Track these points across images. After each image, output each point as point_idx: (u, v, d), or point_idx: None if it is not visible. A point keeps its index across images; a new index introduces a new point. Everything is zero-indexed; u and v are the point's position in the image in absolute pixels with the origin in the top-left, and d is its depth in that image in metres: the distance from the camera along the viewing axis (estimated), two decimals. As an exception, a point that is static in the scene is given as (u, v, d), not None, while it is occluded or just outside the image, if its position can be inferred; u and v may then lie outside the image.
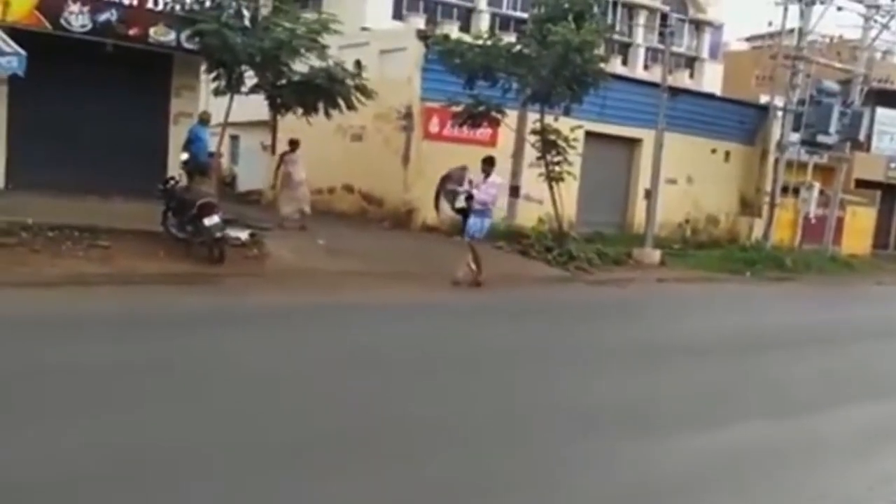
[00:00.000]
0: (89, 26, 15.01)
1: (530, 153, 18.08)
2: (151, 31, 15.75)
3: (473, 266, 13.79)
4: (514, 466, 5.48)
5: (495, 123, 17.85)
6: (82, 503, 4.45)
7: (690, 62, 31.44)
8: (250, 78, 16.76)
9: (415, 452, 5.55)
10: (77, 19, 14.90)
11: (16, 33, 13.87)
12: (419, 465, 5.31)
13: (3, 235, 11.38)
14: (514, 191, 18.35)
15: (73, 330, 8.02)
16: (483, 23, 24.39)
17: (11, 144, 14.90)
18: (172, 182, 13.82)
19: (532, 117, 17.86)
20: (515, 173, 18.29)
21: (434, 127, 19.16)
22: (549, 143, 17.36)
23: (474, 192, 13.89)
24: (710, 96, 26.07)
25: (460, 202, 14.63)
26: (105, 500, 4.48)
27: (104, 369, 6.66)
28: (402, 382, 7.23)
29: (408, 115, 19.19)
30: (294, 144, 17.35)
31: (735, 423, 6.90)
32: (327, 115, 17.26)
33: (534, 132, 17.63)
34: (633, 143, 22.69)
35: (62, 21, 14.70)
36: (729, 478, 5.67)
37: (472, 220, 13.90)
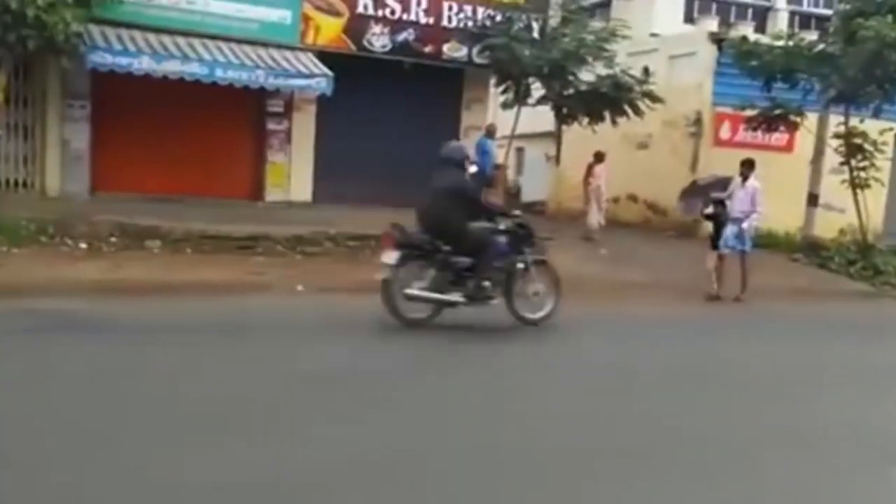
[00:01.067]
0: (389, 46, 16.02)
1: (831, 159, 16.77)
2: (445, 47, 16.51)
3: (715, 282, 12.69)
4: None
5: (793, 127, 16.77)
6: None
7: None
8: (537, 90, 17.09)
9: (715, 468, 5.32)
10: (378, 40, 15.94)
11: (324, 56, 15.12)
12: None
13: (310, 244, 12.43)
14: (813, 199, 17.10)
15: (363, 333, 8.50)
16: (780, 22, 23.02)
17: (319, 160, 16.21)
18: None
19: (835, 120, 16.56)
20: (814, 180, 17.03)
21: (725, 133, 18.38)
22: (854, 148, 16.02)
23: (727, 200, 12.83)
24: None
25: (709, 209, 13.45)
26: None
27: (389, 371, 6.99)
28: (672, 397, 6.95)
29: (697, 122, 18.57)
30: (599, 156, 17.19)
31: None
32: (613, 123, 17.19)
33: (837, 136, 16.35)
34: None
35: (365, 42, 15.81)
36: None
37: (729, 230, 12.74)
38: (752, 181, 12.86)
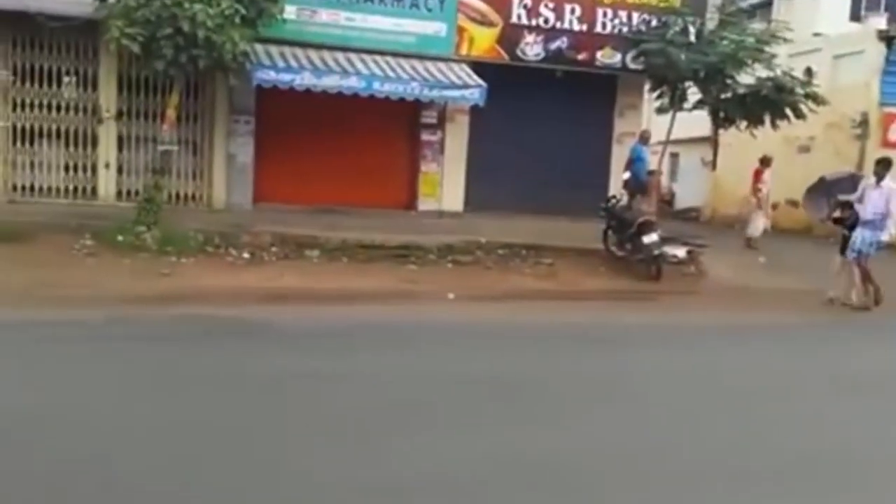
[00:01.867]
0: (542, 55, 16.06)
1: None
2: (598, 54, 16.40)
3: (862, 287, 11.81)
4: None
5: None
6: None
7: None
8: (693, 94, 16.72)
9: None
10: (531, 49, 16.01)
11: (477, 66, 15.34)
12: None
13: (461, 253, 12.64)
14: None
15: (526, 341, 8.55)
16: (957, 15, 21.58)
17: (470, 170, 16.42)
18: (613, 201, 14.21)
19: None
20: None
21: (894, 134, 17.41)
22: None
23: (856, 203, 11.80)
24: None
25: (836, 212, 12.55)
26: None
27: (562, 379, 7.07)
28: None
29: (863, 123, 17.68)
30: (767, 161, 16.66)
31: None
32: (774, 126, 16.58)
33: None
34: None
35: (518, 52, 15.92)
36: None
37: (858, 233, 11.67)
38: (889, 181, 11.66)
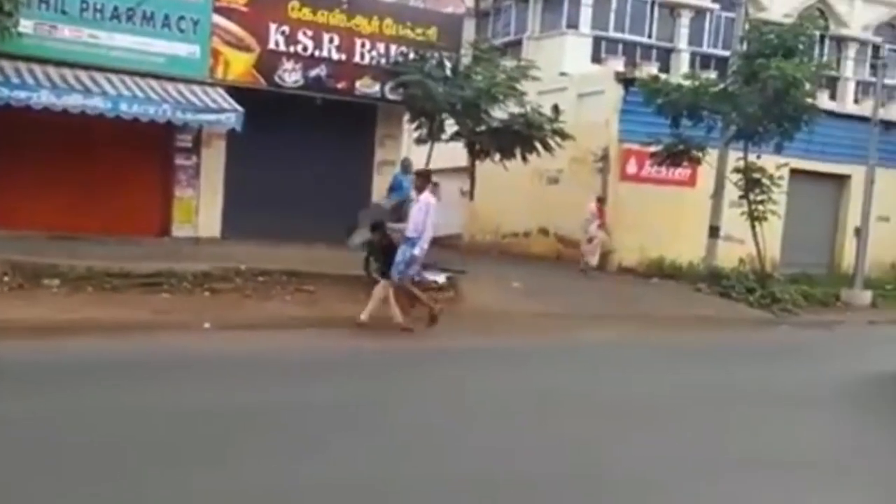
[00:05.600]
0: (301, 82, 15.97)
1: (731, 192, 17.39)
2: (358, 83, 16.54)
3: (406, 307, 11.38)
4: None
5: (695, 162, 17.36)
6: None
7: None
8: (450, 126, 17.26)
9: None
10: (290, 76, 15.88)
11: (234, 91, 14.97)
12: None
13: (218, 281, 12.15)
14: (714, 231, 17.70)
15: (274, 371, 8.36)
16: (682, 63, 23.82)
17: (228, 196, 15.97)
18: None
19: (734, 156, 17.21)
20: (715, 213, 17.64)
21: (631, 168, 18.85)
22: (752, 182, 16.65)
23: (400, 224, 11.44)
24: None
25: (363, 236, 12.18)
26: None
27: (297, 409, 6.87)
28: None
29: (604, 157, 18.99)
30: (603, 200, 17.85)
31: None
32: (524, 159, 17.45)
33: (736, 170, 16.96)
34: (842, 179, 21.41)
35: (276, 78, 15.73)
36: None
37: (401, 252, 11.07)
38: (427, 195, 11.28)
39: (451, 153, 18.79)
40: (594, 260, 17.55)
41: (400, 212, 13.31)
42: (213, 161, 15.82)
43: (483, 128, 17.16)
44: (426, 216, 11.00)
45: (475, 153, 18.12)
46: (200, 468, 5.33)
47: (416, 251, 11.03)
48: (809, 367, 10.85)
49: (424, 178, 11.72)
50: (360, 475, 5.42)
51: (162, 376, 7.73)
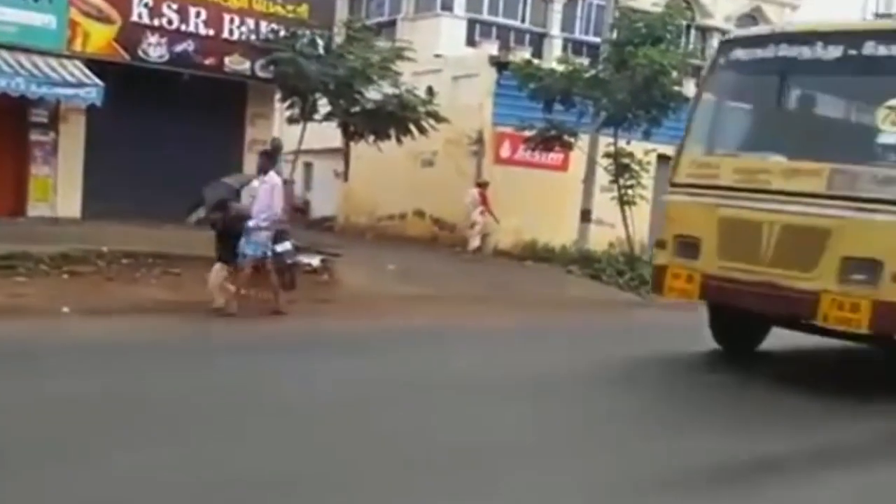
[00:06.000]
0: (167, 57, 15.40)
1: (602, 177, 17.81)
2: (227, 60, 16.07)
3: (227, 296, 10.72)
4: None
5: (567, 147, 17.66)
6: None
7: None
8: (324, 106, 16.99)
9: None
10: (155, 50, 15.27)
11: (94, 65, 14.27)
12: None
13: (79, 264, 11.55)
14: (586, 215, 18.09)
15: (136, 357, 7.99)
16: (555, 48, 24.24)
17: (89, 174, 15.27)
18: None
19: (605, 141, 17.61)
20: (586, 197, 18.03)
21: (505, 151, 19.02)
22: (622, 167, 17.08)
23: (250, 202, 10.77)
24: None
25: (199, 214, 11.49)
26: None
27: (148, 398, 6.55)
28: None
29: (479, 141, 19.10)
30: (485, 185, 17.67)
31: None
32: (399, 140, 17.37)
33: (607, 155, 17.36)
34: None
35: (140, 52, 15.11)
36: None
37: (246, 235, 10.59)
38: (273, 175, 10.88)
39: (325, 134, 18.54)
40: (475, 243, 17.65)
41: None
42: (72, 137, 15.09)
43: (357, 108, 16.99)
44: (271, 196, 10.62)
45: (349, 134, 17.93)
46: (53, 462, 5.03)
47: (262, 233, 10.63)
48: (628, 349, 10.24)
49: (268, 158, 11.15)
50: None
51: (12, 364, 7.27)
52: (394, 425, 6.26)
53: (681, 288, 8.98)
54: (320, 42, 16.61)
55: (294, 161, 17.75)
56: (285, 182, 16.90)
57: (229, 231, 10.76)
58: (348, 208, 22.08)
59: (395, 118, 17.02)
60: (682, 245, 8.97)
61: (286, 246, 12.62)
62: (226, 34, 15.96)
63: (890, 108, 7.87)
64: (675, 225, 9.19)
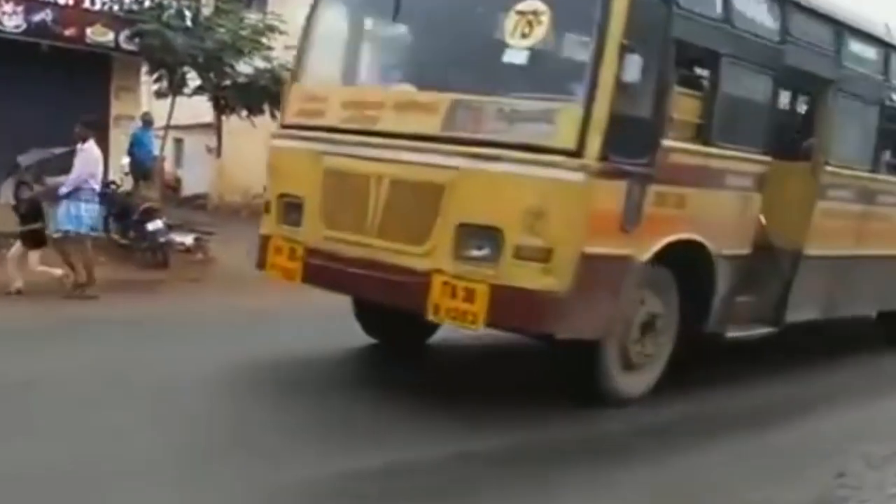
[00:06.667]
0: (24, 27, 14.59)
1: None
2: (89, 31, 15.35)
3: (73, 270, 10.35)
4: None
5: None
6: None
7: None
8: (193, 79, 16.53)
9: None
10: (10, 20, 14.47)
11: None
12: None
13: None
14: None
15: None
16: None
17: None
18: (113, 186, 13.57)
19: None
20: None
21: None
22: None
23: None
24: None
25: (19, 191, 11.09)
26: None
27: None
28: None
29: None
30: None
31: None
32: (273, 116, 17.04)
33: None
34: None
35: (-6, 22, 14.27)
36: None
37: (63, 208, 10.02)
38: (92, 144, 10.35)
39: (197, 108, 18.04)
40: None
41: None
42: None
43: (228, 82, 16.59)
44: (84, 166, 10.14)
45: (220, 108, 17.52)
46: None
47: (83, 205, 10.05)
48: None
49: (87, 127, 10.53)
50: None
51: None
52: None
53: (283, 266, 6.67)
54: (188, 13, 16.07)
55: (164, 137, 17.20)
56: (154, 158, 16.56)
57: (32, 205, 10.32)
58: (222, 186, 21.60)
59: (269, 93, 16.66)
60: (286, 207, 6.77)
61: (157, 224, 12.44)
62: (87, 4, 15.20)
63: (520, 13, 5.66)
64: (279, 181, 7.00)
